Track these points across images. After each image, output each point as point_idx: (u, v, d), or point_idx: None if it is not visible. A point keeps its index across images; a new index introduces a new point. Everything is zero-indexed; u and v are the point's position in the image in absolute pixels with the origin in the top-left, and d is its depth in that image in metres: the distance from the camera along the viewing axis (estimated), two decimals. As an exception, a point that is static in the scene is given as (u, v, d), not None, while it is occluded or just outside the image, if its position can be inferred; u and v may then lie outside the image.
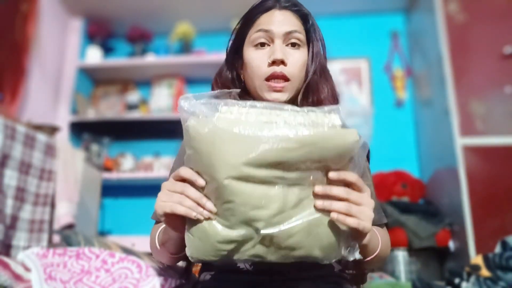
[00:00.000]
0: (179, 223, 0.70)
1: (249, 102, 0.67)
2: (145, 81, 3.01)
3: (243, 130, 0.63)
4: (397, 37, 2.94)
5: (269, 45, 0.86)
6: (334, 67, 2.90)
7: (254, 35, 0.87)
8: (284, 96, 0.85)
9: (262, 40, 0.86)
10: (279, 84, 0.84)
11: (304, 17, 0.89)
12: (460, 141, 2.13)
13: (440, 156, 2.36)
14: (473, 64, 2.25)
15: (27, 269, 1.15)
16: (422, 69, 2.69)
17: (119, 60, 2.97)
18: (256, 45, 0.87)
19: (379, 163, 2.50)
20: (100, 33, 2.99)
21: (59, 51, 2.85)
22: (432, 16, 2.40)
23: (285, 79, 0.84)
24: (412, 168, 2.64)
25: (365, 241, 0.71)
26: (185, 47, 2.92)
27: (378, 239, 0.79)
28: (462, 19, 2.33)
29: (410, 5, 2.87)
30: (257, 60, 0.86)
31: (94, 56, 2.92)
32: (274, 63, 0.84)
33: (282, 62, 0.84)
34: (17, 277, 1.09)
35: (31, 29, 2.46)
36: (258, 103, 0.67)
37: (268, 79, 0.84)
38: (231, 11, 2.78)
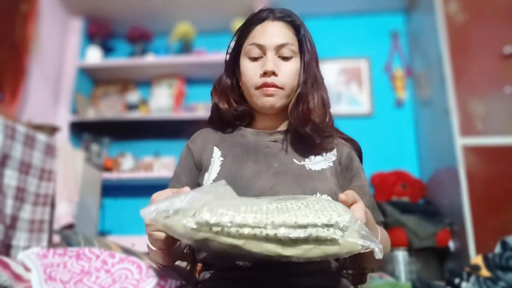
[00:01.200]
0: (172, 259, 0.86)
1: (240, 218, 0.64)
2: (145, 81, 3.01)
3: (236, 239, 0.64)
4: (397, 37, 2.94)
5: (262, 57, 0.91)
6: (334, 67, 2.91)
7: (248, 47, 0.92)
8: (276, 100, 0.91)
9: (255, 54, 0.91)
10: (271, 88, 0.89)
11: (297, 28, 0.94)
12: (460, 141, 2.13)
13: (440, 156, 2.36)
14: (473, 64, 2.25)
15: (27, 269, 1.15)
16: (422, 69, 2.69)
17: (119, 60, 2.97)
18: (250, 57, 0.92)
19: (379, 163, 2.50)
20: (100, 33, 2.98)
21: (59, 51, 2.85)
22: (432, 16, 2.40)
23: (277, 88, 0.90)
24: (412, 168, 2.64)
25: None
26: (185, 47, 2.92)
27: (378, 231, 0.83)
28: (462, 19, 2.33)
29: (410, 5, 2.87)
30: (250, 70, 0.91)
31: (94, 56, 2.92)
32: (265, 74, 0.89)
33: (273, 73, 0.89)
34: (17, 277, 1.09)
35: (31, 29, 2.46)
36: (248, 216, 0.64)
37: (260, 88, 0.90)
38: (231, 11, 2.78)
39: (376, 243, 0.64)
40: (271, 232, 0.62)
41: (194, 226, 0.64)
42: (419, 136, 2.72)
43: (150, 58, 2.88)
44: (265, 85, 0.89)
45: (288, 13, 0.94)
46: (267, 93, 0.89)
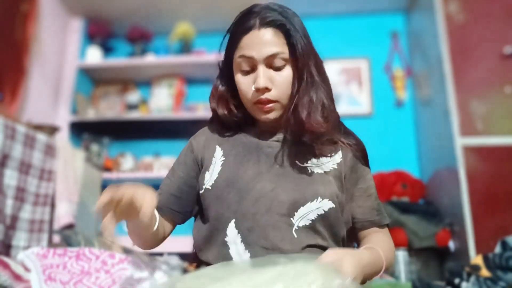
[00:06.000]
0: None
1: None
2: (145, 81, 3.01)
3: None
4: (397, 37, 2.94)
5: (253, 70, 0.88)
6: (334, 67, 2.90)
7: (237, 60, 0.90)
8: (274, 114, 0.90)
9: (246, 68, 0.89)
10: (267, 105, 0.88)
11: (286, 32, 0.87)
12: (460, 141, 2.13)
13: (440, 156, 2.36)
14: (473, 64, 2.25)
15: (27, 269, 1.15)
16: (422, 69, 2.69)
17: (119, 60, 2.97)
18: (242, 70, 0.90)
19: (379, 163, 2.49)
20: (100, 33, 2.98)
21: (59, 51, 2.85)
22: (432, 16, 2.40)
23: (272, 103, 0.88)
24: (412, 168, 2.64)
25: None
26: (185, 47, 2.91)
27: (382, 259, 0.83)
28: (462, 19, 2.33)
29: (410, 5, 2.87)
30: (243, 85, 0.90)
31: (94, 56, 2.91)
32: (258, 90, 0.87)
33: (266, 89, 0.87)
34: (17, 277, 1.09)
35: (31, 29, 2.46)
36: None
37: (255, 103, 0.89)
38: (231, 11, 2.75)
39: None
40: None
41: None
42: (419, 136, 2.72)
43: (150, 58, 2.88)
44: (260, 101, 0.88)
45: (276, 15, 0.87)
46: (263, 110, 0.89)
